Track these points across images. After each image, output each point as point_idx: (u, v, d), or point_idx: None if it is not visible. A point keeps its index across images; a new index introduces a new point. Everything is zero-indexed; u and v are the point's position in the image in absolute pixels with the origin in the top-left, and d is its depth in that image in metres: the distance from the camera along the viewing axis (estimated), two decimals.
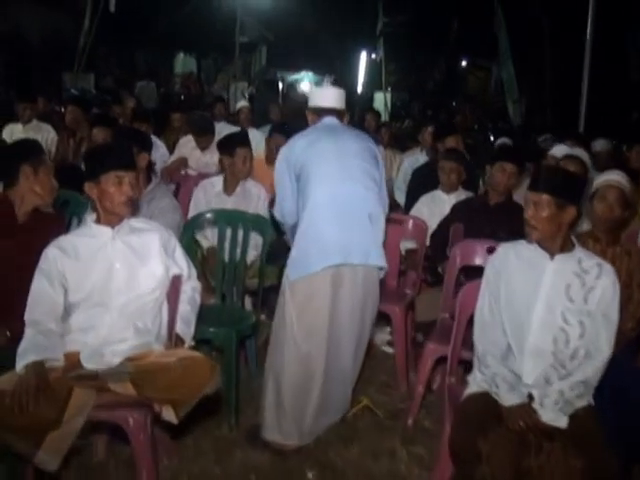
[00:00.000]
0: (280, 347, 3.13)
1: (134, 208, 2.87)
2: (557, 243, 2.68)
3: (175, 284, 2.93)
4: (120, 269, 2.77)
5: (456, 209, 4.33)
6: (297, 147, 3.19)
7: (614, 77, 13.44)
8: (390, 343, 4.46)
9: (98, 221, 2.83)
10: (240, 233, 3.84)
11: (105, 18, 12.35)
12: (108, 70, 18.25)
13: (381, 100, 14.91)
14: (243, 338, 3.65)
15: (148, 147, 3.83)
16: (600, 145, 6.30)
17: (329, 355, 3.12)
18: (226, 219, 3.87)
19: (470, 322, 2.93)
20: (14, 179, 3.12)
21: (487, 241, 3.68)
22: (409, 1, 17.25)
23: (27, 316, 2.75)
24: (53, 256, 2.76)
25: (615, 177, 3.18)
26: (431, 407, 3.65)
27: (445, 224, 4.32)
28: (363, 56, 17.85)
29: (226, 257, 3.85)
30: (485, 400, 2.65)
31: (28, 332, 2.70)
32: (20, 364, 2.57)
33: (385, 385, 4.02)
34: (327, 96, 3.40)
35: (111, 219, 2.81)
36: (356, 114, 11.03)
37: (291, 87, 17.82)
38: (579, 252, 2.71)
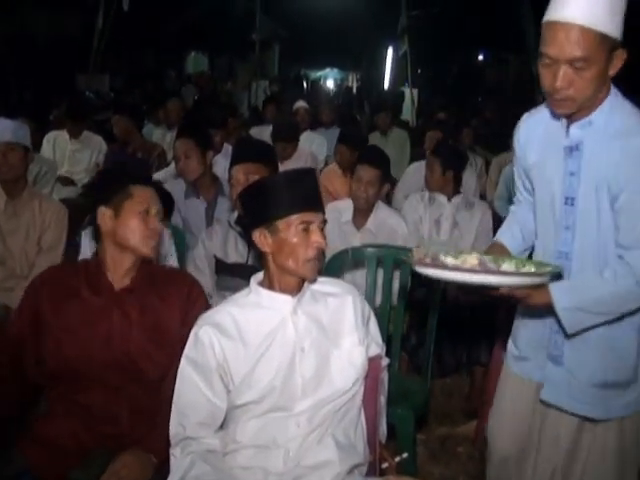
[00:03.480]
0: None
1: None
2: None
3: (374, 370, 2.05)
4: (307, 357, 1.90)
5: None
6: None
7: None
8: None
9: (270, 286, 1.95)
10: (397, 275, 2.96)
11: (117, 17, 11.57)
12: (119, 71, 17.39)
13: (407, 97, 14.12)
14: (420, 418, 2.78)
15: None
16: None
17: None
18: (377, 257, 2.98)
19: None
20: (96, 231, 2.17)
21: None
22: None
23: (175, 429, 1.88)
24: (209, 339, 1.87)
25: None
26: None
27: None
28: (390, 52, 16.96)
29: (377, 304, 2.98)
30: None
31: (181, 457, 1.84)
32: None
33: None
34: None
35: (289, 283, 1.93)
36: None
37: (315, 84, 16.93)
38: None
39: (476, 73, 21.51)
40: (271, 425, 1.87)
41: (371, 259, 3.00)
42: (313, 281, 1.98)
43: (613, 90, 1.87)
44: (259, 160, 2.78)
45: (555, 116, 1.95)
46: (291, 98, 10.15)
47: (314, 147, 6.63)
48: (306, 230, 1.86)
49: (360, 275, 3.15)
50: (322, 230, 1.91)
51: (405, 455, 2.04)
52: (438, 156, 3.90)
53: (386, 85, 17.01)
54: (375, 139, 6.90)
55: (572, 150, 1.90)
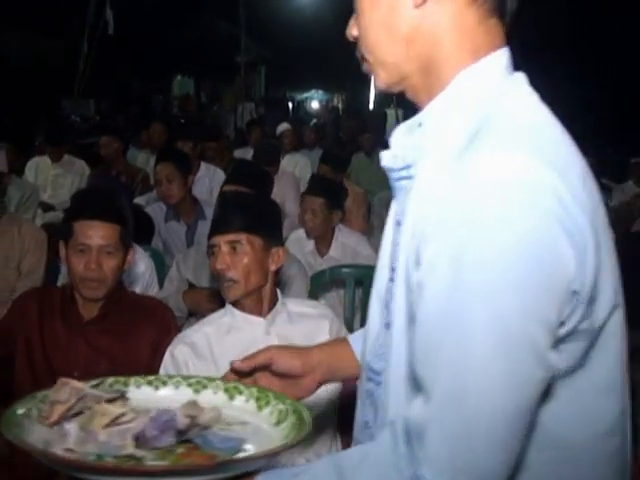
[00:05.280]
0: None
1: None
2: None
3: (348, 389, 2.06)
4: None
5: None
6: (579, 217, 0.81)
7: None
8: None
9: (240, 306, 1.97)
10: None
11: (102, 41, 11.64)
12: (105, 94, 17.46)
13: (392, 117, 14.24)
14: None
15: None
16: None
17: None
18: (355, 277, 3.00)
19: None
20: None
21: None
22: None
23: None
24: (183, 358, 1.90)
25: None
26: None
27: None
28: None
29: (356, 325, 2.98)
30: None
31: None
32: None
33: None
34: None
35: (246, 304, 1.96)
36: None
37: (300, 106, 17.05)
38: None
39: None
40: None
41: (349, 279, 3.02)
42: (285, 299, 2.01)
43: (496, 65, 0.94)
44: (249, 184, 2.79)
45: None
46: (273, 121, 10.23)
47: (298, 168, 6.66)
48: (214, 254, 1.92)
49: (333, 296, 3.16)
50: (235, 250, 1.90)
51: None
52: None
53: (371, 106, 17.14)
54: (360, 160, 6.95)
55: (400, 177, 1.02)
